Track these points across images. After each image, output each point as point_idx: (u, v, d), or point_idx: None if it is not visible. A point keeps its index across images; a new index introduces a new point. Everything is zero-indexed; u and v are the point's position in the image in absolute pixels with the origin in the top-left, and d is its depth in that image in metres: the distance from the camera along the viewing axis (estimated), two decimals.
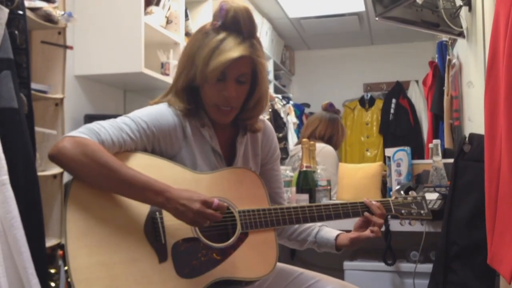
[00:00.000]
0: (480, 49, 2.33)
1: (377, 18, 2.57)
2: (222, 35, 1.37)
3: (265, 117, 1.64)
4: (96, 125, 1.34)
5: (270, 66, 5.16)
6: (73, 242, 1.23)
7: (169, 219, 1.33)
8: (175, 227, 1.34)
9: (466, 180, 1.93)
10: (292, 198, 2.40)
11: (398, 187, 2.30)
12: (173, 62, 3.24)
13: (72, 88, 2.90)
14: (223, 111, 1.43)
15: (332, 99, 5.91)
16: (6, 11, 1.60)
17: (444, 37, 3.54)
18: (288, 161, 3.38)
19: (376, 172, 2.55)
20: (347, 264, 2.27)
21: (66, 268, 1.20)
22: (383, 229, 2.06)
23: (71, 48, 2.56)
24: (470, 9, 2.57)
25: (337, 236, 1.58)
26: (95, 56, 2.94)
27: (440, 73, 3.69)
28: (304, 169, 2.38)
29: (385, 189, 2.57)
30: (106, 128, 1.33)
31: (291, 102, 5.39)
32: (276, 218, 1.46)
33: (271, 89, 5.15)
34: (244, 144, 1.54)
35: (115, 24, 2.91)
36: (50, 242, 2.20)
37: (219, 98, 1.41)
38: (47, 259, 1.81)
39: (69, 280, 1.20)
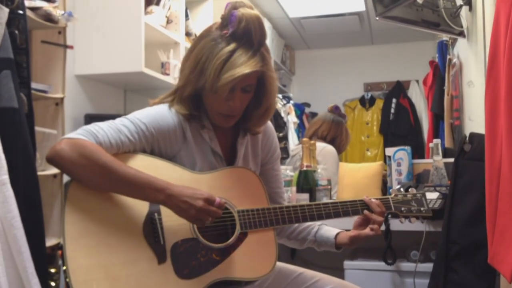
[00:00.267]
0: (481, 48, 2.33)
1: (377, 18, 2.57)
2: (232, 46, 1.35)
3: None
4: (94, 126, 1.33)
5: None
6: (71, 243, 1.23)
7: (168, 219, 1.33)
8: (174, 228, 1.34)
9: (467, 179, 1.93)
10: (292, 197, 2.39)
11: (398, 186, 2.30)
12: (173, 61, 3.24)
13: (72, 88, 2.90)
14: (226, 117, 1.43)
15: (332, 98, 5.94)
16: (6, 10, 1.60)
17: (445, 37, 3.54)
18: (289, 161, 3.38)
19: (376, 172, 2.55)
20: (347, 263, 2.27)
21: (64, 268, 1.20)
22: (383, 227, 2.07)
23: (71, 47, 2.56)
24: (470, 9, 2.57)
25: (337, 234, 1.58)
26: (95, 56, 2.94)
27: (441, 73, 3.69)
28: (305, 168, 2.38)
29: (385, 189, 2.57)
30: (104, 129, 1.32)
31: (291, 101, 5.39)
32: (276, 218, 1.46)
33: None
34: (244, 145, 1.53)
35: (116, 23, 2.91)
36: (50, 242, 2.21)
37: (223, 107, 1.41)
38: (47, 259, 1.82)
39: (67, 280, 1.20)
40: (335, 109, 3.28)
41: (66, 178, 1.32)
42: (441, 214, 2.00)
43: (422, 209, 1.61)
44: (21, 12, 1.79)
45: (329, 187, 2.44)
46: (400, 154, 2.46)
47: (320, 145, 3.04)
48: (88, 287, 1.21)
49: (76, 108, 2.96)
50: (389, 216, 2.08)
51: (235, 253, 1.39)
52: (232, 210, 1.41)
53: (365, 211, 1.54)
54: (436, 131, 3.75)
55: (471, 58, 2.64)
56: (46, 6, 2.32)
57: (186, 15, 3.52)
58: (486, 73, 1.46)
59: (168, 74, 3.21)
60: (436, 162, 2.33)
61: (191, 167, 1.42)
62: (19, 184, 1.53)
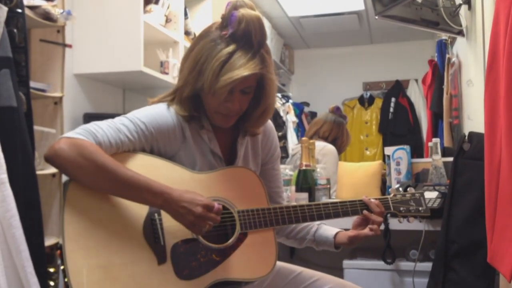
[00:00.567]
0: (480, 47, 2.33)
1: (376, 17, 2.57)
2: (232, 47, 1.34)
3: None
4: (93, 125, 1.32)
5: None
6: (70, 244, 1.22)
7: (168, 220, 1.32)
8: (174, 229, 1.33)
9: (466, 178, 1.93)
10: (291, 196, 2.39)
11: (397, 185, 2.30)
12: (173, 61, 3.24)
13: (71, 87, 2.90)
14: (225, 117, 1.43)
15: (331, 98, 5.95)
16: (5, 9, 1.60)
17: (444, 36, 3.54)
18: (289, 160, 3.38)
19: (375, 171, 2.55)
20: (346, 262, 2.27)
21: (62, 267, 1.19)
22: (382, 227, 2.07)
23: (70, 46, 2.56)
24: (469, 8, 2.57)
25: (336, 234, 1.58)
26: (94, 55, 2.94)
27: (440, 72, 3.69)
28: (304, 168, 2.38)
29: (384, 188, 2.57)
30: (103, 129, 1.31)
31: (290, 101, 5.39)
32: (275, 218, 1.45)
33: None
34: (244, 145, 1.53)
35: (114, 22, 2.91)
36: (49, 241, 2.20)
37: (222, 108, 1.40)
38: (46, 258, 1.81)
39: (66, 280, 1.20)
40: (336, 110, 3.30)
41: (65, 177, 1.32)
42: (440, 214, 2.01)
43: (420, 208, 1.61)
44: (19, 10, 1.79)
45: (328, 186, 2.44)
46: (399, 153, 2.46)
47: (320, 144, 3.04)
48: None
49: (75, 107, 2.96)
50: (388, 215, 2.09)
51: (235, 254, 1.39)
52: (232, 210, 1.41)
53: (365, 211, 1.53)
54: (435, 130, 3.76)
55: (470, 57, 2.64)
56: (45, 4, 2.32)
57: (185, 14, 3.52)
58: (485, 72, 1.46)
59: (167, 73, 3.20)
60: (435, 161, 2.33)
61: (191, 167, 1.41)
62: (18, 183, 1.52)
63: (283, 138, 4.89)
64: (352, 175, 2.59)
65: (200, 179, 1.40)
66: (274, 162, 1.64)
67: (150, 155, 1.38)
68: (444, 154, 2.47)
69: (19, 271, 1.42)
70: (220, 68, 1.33)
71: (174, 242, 1.33)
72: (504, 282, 1.58)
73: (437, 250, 1.98)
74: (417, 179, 2.46)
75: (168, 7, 3.29)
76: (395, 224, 2.10)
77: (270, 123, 1.63)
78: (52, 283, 2.21)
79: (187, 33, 3.52)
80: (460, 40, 3.00)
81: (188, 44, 3.30)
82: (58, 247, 2.26)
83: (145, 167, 1.34)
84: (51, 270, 2.24)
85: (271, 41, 5.14)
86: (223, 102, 1.38)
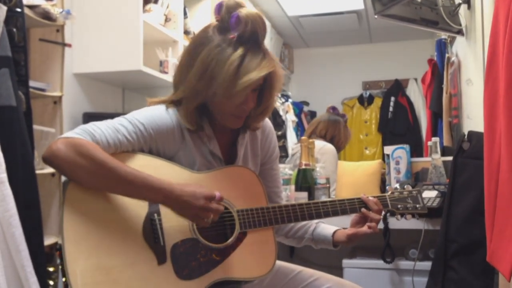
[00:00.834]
0: (479, 46, 2.33)
1: (376, 16, 2.57)
2: (241, 50, 1.33)
3: None
4: (91, 126, 1.31)
5: None
6: (70, 246, 1.22)
7: (167, 220, 1.32)
8: (173, 229, 1.33)
9: (465, 177, 1.93)
10: (291, 196, 2.39)
11: (397, 185, 2.31)
12: (172, 60, 3.24)
13: (70, 86, 2.90)
14: (238, 119, 1.43)
15: (331, 97, 5.95)
16: (4, 8, 1.60)
17: (443, 35, 3.54)
18: (289, 160, 3.39)
19: (375, 170, 2.55)
20: (346, 262, 2.27)
21: (61, 267, 1.19)
22: (381, 226, 2.07)
23: (69, 45, 2.56)
24: (469, 7, 2.57)
25: (334, 232, 1.58)
26: (93, 54, 2.93)
27: (439, 71, 3.69)
28: (303, 167, 2.38)
29: (384, 187, 2.57)
30: (101, 129, 1.30)
31: (290, 100, 5.39)
32: (275, 217, 1.45)
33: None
34: (244, 146, 1.53)
35: (114, 22, 2.90)
36: (48, 241, 2.20)
37: (238, 110, 1.40)
38: (45, 258, 1.81)
39: (64, 280, 1.19)
40: (331, 109, 3.35)
41: (64, 177, 1.31)
42: (440, 213, 2.01)
43: (417, 206, 1.62)
44: (19, 10, 1.79)
45: (327, 185, 2.44)
46: (399, 153, 2.46)
47: (320, 144, 3.05)
48: None
49: (75, 106, 2.96)
50: (388, 214, 2.09)
51: (235, 253, 1.39)
52: (231, 210, 1.41)
53: (363, 209, 1.54)
54: (435, 130, 3.76)
55: (470, 56, 2.64)
56: (44, 4, 2.32)
57: (185, 13, 3.52)
58: (485, 71, 1.46)
59: (166, 73, 3.20)
60: (434, 160, 2.33)
61: (189, 167, 1.41)
62: (18, 183, 1.52)
63: (283, 137, 4.89)
64: (352, 174, 2.59)
65: (199, 179, 1.40)
66: (273, 162, 1.64)
67: (149, 155, 1.38)
68: (443, 153, 2.48)
69: (18, 271, 1.42)
70: (235, 72, 1.32)
71: (174, 242, 1.33)
72: (503, 281, 1.58)
73: (437, 249, 1.98)
74: (417, 178, 2.46)
75: (167, 7, 3.29)
76: (394, 223, 2.11)
77: (269, 123, 1.62)
78: (51, 282, 2.21)
79: (186, 32, 3.51)
80: (459, 39, 3.00)
81: (187, 43, 3.30)
82: (57, 248, 2.26)
83: (144, 167, 1.34)
84: (51, 269, 2.24)
85: (271, 41, 5.13)
86: (239, 105, 1.38)
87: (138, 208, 1.31)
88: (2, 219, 1.40)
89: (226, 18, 1.37)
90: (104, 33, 2.92)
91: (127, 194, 1.28)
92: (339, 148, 3.27)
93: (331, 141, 3.22)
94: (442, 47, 3.66)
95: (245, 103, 1.38)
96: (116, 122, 1.34)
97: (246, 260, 1.40)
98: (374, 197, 1.57)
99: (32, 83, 2.19)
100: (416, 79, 5.64)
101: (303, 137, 2.54)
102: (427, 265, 2.07)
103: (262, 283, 1.54)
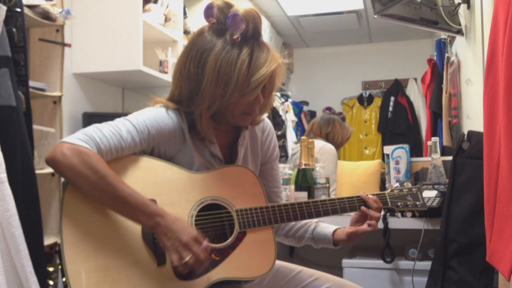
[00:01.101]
0: (479, 46, 2.33)
1: (375, 16, 2.57)
2: (247, 48, 1.34)
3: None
4: (95, 131, 1.30)
5: None
6: (69, 247, 1.22)
7: None
8: None
9: (465, 177, 1.93)
10: (291, 195, 2.40)
11: (396, 184, 2.31)
12: (172, 60, 3.24)
13: (70, 86, 2.90)
14: (250, 116, 1.43)
15: (330, 97, 5.96)
16: (4, 8, 1.60)
17: (443, 35, 3.54)
18: (289, 159, 3.41)
19: (374, 170, 2.55)
20: (345, 261, 2.27)
21: (60, 267, 1.19)
22: (381, 226, 2.07)
23: (69, 45, 2.56)
24: (468, 7, 2.57)
25: (334, 231, 1.58)
26: (93, 54, 2.93)
27: (439, 71, 3.70)
28: (303, 167, 2.38)
29: (383, 187, 2.57)
30: (106, 135, 1.30)
31: (289, 100, 5.39)
32: (274, 216, 1.45)
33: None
34: (244, 146, 1.53)
35: (114, 21, 2.91)
36: (48, 241, 2.20)
37: (248, 107, 1.40)
38: (45, 257, 1.81)
39: (64, 280, 1.19)
40: (325, 109, 3.45)
41: None
42: (440, 212, 2.01)
43: (417, 203, 1.62)
44: (19, 10, 1.79)
45: (327, 185, 2.45)
46: (399, 152, 2.46)
47: (319, 144, 3.05)
48: None
49: (74, 106, 2.96)
50: (388, 214, 2.09)
51: (235, 253, 1.39)
52: (230, 210, 1.41)
53: (362, 207, 1.54)
54: (434, 129, 3.76)
55: (470, 56, 2.64)
56: (44, 4, 2.32)
57: (184, 13, 3.52)
58: (484, 71, 1.46)
59: (166, 72, 3.20)
60: (434, 160, 2.33)
61: (189, 167, 1.41)
62: (17, 183, 1.52)
63: (282, 137, 4.89)
64: (351, 174, 2.59)
65: (198, 179, 1.40)
66: (273, 162, 1.64)
67: (148, 156, 1.38)
68: (443, 153, 2.48)
69: (18, 271, 1.42)
70: (247, 71, 1.33)
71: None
72: (503, 280, 1.59)
73: (436, 249, 1.98)
74: (416, 178, 2.46)
75: (167, 6, 3.29)
76: (394, 223, 2.11)
77: (269, 123, 1.62)
78: (51, 282, 2.22)
79: (186, 32, 3.52)
80: (459, 39, 3.00)
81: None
82: (57, 250, 2.25)
83: (143, 168, 1.34)
84: (50, 269, 2.24)
85: (270, 40, 5.13)
86: (252, 102, 1.39)
87: None
88: (2, 219, 1.40)
89: (222, 20, 1.37)
90: (103, 33, 2.92)
91: (120, 212, 1.28)
92: (338, 144, 3.29)
93: (327, 138, 3.26)
94: (442, 47, 3.66)
95: (257, 99, 1.39)
96: (120, 125, 1.33)
97: (246, 260, 1.40)
98: (374, 195, 1.57)
99: (32, 83, 2.19)
100: (415, 79, 5.65)
101: (303, 137, 2.54)
102: (426, 264, 2.07)
103: (262, 282, 1.54)
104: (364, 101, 5.94)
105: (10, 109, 1.56)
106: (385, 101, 5.77)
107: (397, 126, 5.61)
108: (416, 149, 5.12)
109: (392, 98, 5.71)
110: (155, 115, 1.39)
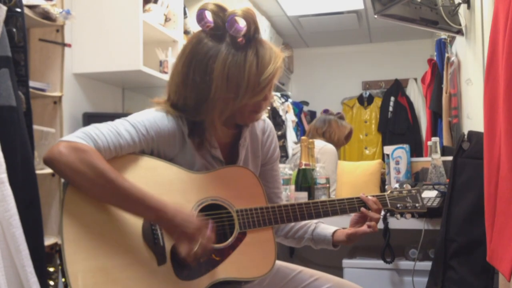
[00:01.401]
0: (479, 46, 2.33)
1: (376, 16, 2.57)
2: (252, 50, 1.34)
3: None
4: (93, 129, 1.30)
5: None
6: (70, 247, 1.21)
7: None
8: None
9: (465, 177, 1.93)
10: (291, 196, 2.39)
11: (396, 185, 2.31)
12: (172, 60, 3.24)
13: (70, 86, 2.90)
14: (258, 113, 1.44)
15: (330, 97, 5.96)
16: (4, 8, 1.60)
17: (443, 35, 3.54)
18: (290, 160, 3.41)
19: (375, 170, 2.55)
20: (346, 262, 2.27)
21: (60, 267, 1.19)
22: (381, 226, 2.07)
23: (69, 45, 2.56)
24: (469, 7, 2.57)
25: (334, 232, 1.58)
26: (93, 54, 2.93)
27: (439, 71, 3.70)
28: (303, 167, 2.38)
29: (384, 187, 2.57)
30: (103, 133, 1.29)
31: (289, 100, 5.39)
32: (274, 216, 1.45)
33: (272, 91, 5.14)
34: (245, 147, 1.53)
35: (114, 22, 2.91)
36: (48, 241, 2.20)
37: (257, 105, 1.41)
38: (45, 258, 1.81)
39: (64, 280, 1.19)
40: (324, 112, 3.49)
41: None
42: (440, 212, 2.01)
43: (417, 205, 1.62)
44: (19, 10, 1.79)
45: (327, 185, 2.44)
46: (399, 152, 2.46)
47: (320, 144, 3.06)
48: None
49: (74, 106, 2.95)
50: (388, 215, 2.09)
51: (235, 253, 1.39)
52: (230, 210, 1.41)
53: (362, 208, 1.54)
54: (435, 129, 3.76)
55: (470, 56, 2.64)
56: (44, 4, 2.32)
57: (185, 13, 3.52)
58: (484, 71, 1.46)
59: (166, 73, 3.20)
60: (434, 160, 2.33)
61: (189, 168, 1.41)
62: (18, 183, 1.52)
63: (283, 137, 4.89)
64: (352, 174, 2.59)
65: (197, 179, 1.40)
66: (274, 163, 1.63)
67: (148, 156, 1.38)
68: (443, 153, 2.48)
69: (19, 271, 1.42)
70: (256, 71, 1.33)
71: (174, 243, 1.32)
72: (503, 280, 1.59)
73: (437, 249, 1.98)
74: (417, 178, 2.46)
75: (167, 6, 3.29)
76: (394, 223, 2.11)
77: (270, 124, 1.62)
78: (51, 283, 2.21)
79: (186, 32, 3.51)
80: (459, 39, 3.00)
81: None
82: (57, 250, 2.25)
83: (143, 168, 1.34)
84: (51, 269, 2.24)
85: (270, 40, 5.11)
86: (261, 100, 1.39)
87: None
88: (2, 219, 1.40)
89: (220, 24, 1.36)
90: (104, 33, 2.92)
91: (121, 207, 1.27)
92: (336, 142, 3.30)
93: (324, 136, 3.27)
94: (442, 47, 3.66)
95: (265, 97, 1.40)
96: (119, 125, 1.33)
97: (246, 260, 1.40)
98: (373, 196, 1.57)
99: (32, 83, 2.19)
100: (416, 79, 5.65)
101: (303, 137, 2.54)
102: (427, 265, 2.07)
103: (262, 283, 1.54)
104: (364, 101, 5.94)
105: (10, 109, 1.56)
106: (385, 101, 5.77)
107: (397, 126, 5.61)
108: (416, 149, 5.12)
109: (392, 98, 5.72)
110: (154, 116, 1.38)
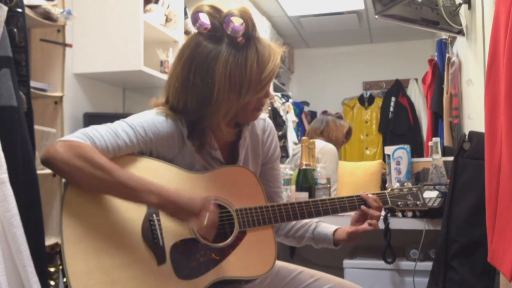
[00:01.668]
0: (480, 46, 2.33)
1: (376, 16, 2.57)
2: (251, 48, 1.35)
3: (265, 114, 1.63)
4: (91, 130, 1.31)
5: None
6: (69, 248, 1.22)
7: (166, 220, 1.32)
8: (172, 229, 1.33)
9: (466, 178, 1.93)
10: (291, 196, 2.40)
11: (397, 185, 2.31)
12: (172, 60, 3.24)
13: (71, 86, 2.90)
14: (259, 111, 1.45)
15: (331, 97, 5.96)
16: (5, 9, 1.60)
17: (444, 35, 3.54)
18: (290, 160, 3.41)
19: (375, 170, 2.55)
20: (346, 262, 2.27)
21: (61, 267, 1.19)
22: (382, 226, 2.07)
23: (70, 46, 2.56)
24: (469, 7, 2.57)
25: (335, 231, 1.58)
26: (94, 54, 2.94)
27: (440, 71, 3.70)
28: (304, 167, 2.38)
29: (384, 187, 2.57)
30: (101, 134, 1.30)
31: (290, 100, 5.39)
32: (274, 215, 1.45)
33: (270, 88, 5.15)
34: (245, 147, 1.53)
35: (114, 22, 2.91)
36: (49, 241, 2.20)
37: (259, 103, 1.42)
38: (46, 258, 1.81)
39: (65, 280, 1.19)
40: (322, 113, 3.53)
41: None
42: (441, 213, 2.01)
43: (418, 203, 1.62)
44: (20, 10, 1.79)
45: (328, 185, 2.44)
46: (399, 153, 2.46)
47: (320, 144, 3.06)
48: None
49: (75, 106, 2.96)
50: (389, 215, 2.09)
51: (235, 252, 1.39)
52: (230, 209, 1.41)
53: (363, 206, 1.53)
54: (435, 130, 3.76)
55: (471, 57, 2.64)
56: (45, 4, 2.32)
57: (185, 14, 3.52)
58: (485, 72, 1.46)
59: (167, 73, 3.20)
60: (435, 160, 2.33)
61: (189, 169, 1.41)
62: (19, 183, 1.52)
63: (283, 137, 4.89)
64: (352, 175, 2.59)
65: (197, 179, 1.40)
66: (274, 162, 1.63)
67: (147, 157, 1.38)
68: (444, 154, 2.47)
69: (19, 271, 1.42)
70: (257, 69, 1.34)
71: (173, 242, 1.32)
72: (504, 281, 1.59)
73: (438, 250, 1.98)
74: (417, 178, 2.46)
75: (168, 7, 3.29)
76: (395, 223, 2.11)
77: (271, 123, 1.62)
78: (52, 283, 2.22)
79: (187, 32, 3.51)
80: (460, 39, 3.00)
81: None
82: (57, 251, 2.25)
83: (142, 168, 1.34)
84: (52, 269, 2.24)
85: (271, 41, 5.13)
86: (262, 97, 1.40)
87: (137, 209, 1.30)
88: (3, 219, 1.40)
89: (218, 25, 1.36)
90: (104, 33, 2.92)
91: (122, 196, 1.27)
92: (335, 141, 3.31)
93: (323, 136, 3.28)
94: (443, 47, 3.66)
95: (266, 94, 1.41)
96: (117, 126, 1.33)
97: (246, 259, 1.40)
98: (374, 194, 1.57)
99: (33, 84, 2.19)
100: (416, 79, 5.64)
101: (303, 137, 2.54)
102: (428, 265, 2.07)
103: (262, 283, 1.54)
104: (365, 101, 5.94)
105: (11, 110, 1.56)
106: (386, 102, 5.77)
107: (398, 126, 5.61)
108: (417, 150, 5.12)
109: (393, 99, 5.71)
110: (153, 118, 1.38)
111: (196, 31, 1.42)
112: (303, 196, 2.33)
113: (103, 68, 2.95)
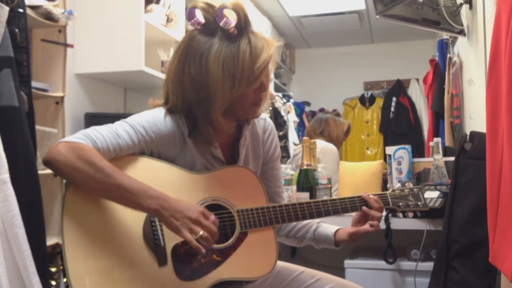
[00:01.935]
0: (481, 46, 2.33)
1: (377, 16, 2.57)
2: (244, 39, 1.35)
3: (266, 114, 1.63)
4: (93, 131, 1.31)
5: None
6: (70, 248, 1.22)
7: None
8: None
9: (467, 178, 1.93)
10: (292, 196, 2.40)
11: (398, 185, 2.30)
12: None
13: (72, 87, 2.90)
14: (259, 106, 1.44)
15: (332, 97, 5.96)
16: (6, 9, 1.60)
17: (445, 35, 3.54)
18: (291, 160, 3.41)
19: (376, 171, 2.55)
20: (347, 262, 2.27)
21: (62, 267, 1.19)
22: (383, 226, 2.07)
23: (71, 46, 2.56)
24: (470, 7, 2.57)
25: (336, 231, 1.58)
26: (95, 54, 2.94)
27: (441, 71, 3.69)
28: (305, 167, 2.38)
29: (385, 188, 2.57)
30: (103, 134, 1.30)
31: (291, 100, 5.39)
32: (275, 216, 1.45)
33: (271, 88, 5.15)
34: (246, 147, 1.53)
35: (116, 22, 2.91)
36: (50, 241, 2.20)
37: (256, 97, 1.41)
38: (48, 258, 1.81)
39: (65, 280, 1.19)
40: (319, 111, 3.50)
41: None
42: (442, 213, 2.00)
43: (419, 203, 1.62)
44: (21, 10, 1.79)
45: (329, 185, 2.44)
46: (401, 153, 2.46)
47: (321, 144, 3.06)
48: None
49: (77, 107, 2.96)
50: (390, 215, 2.09)
51: (236, 253, 1.39)
52: (231, 210, 1.41)
53: (364, 207, 1.53)
54: (436, 130, 3.76)
55: (472, 57, 2.64)
56: (47, 4, 2.32)
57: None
58: (486, 72, 1.46)
59: None
60: (436, 160, 2.33)
61: (190, 169, 1.41)
62: (20, 183, 1.52)
63: (284, 137, 4.89)
64: (353, 175, 2.59)
65: (199, 179, 1.40)
66: (274, 162, 1.63)
67: (148, 157, 1.38)
68: (445, 154, 2.47)
69: (21, 271, 1.42)
70: (250, 60, 1.34)
71: (174, 243, 1.32)
72: (505, 281, 1.58)
73: (439, 250, 1.98)
74: (418, 178, 2.46)
75: (169, 7, 3.29)
76: (396, 223, 2.11)
77: (271, 123, 1.62)
78: (53, 283, 2.22)
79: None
80: (461, 39, 2.99)
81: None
82: (58, 251, 2.25)
83: (143, 169, 1.34)
84: (53, 269, 2.24)
85: None
86: (257, 91, 1.40)
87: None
88: (4, 220, 1.40)
89: (212, 20, 1.37)
90: (106, 33, 2.92)
91: (121, 201, 1.27)
92: (336, 140, 3.31)
93: (323, 135, 3.27)
94: (444, 47, 3.66)
95: (262, 87, 1.40)
96: (117, 127, 1.34)
97: (247, 260, 1.40)
98: (375, 195, 1.57)
99: (34, 84, 2.19)
100: (417, 79, 5.64)
101: (304, 138, 2.54)
102: (429, 265, 2.07)
103: (263, 283, 1.54)
104: (366, 101, 5.94)
105: (12, 110, 1.56)
106: (387, 102, 5.77)
107: (399, 126, 5.61)
108: (418, 150, 5.12)
109: (394, 99, 5.71)
110: (153, 117, 1.39)
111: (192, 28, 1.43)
112: (304, 196, 2.32)
113: (104, 68, 2.95)
